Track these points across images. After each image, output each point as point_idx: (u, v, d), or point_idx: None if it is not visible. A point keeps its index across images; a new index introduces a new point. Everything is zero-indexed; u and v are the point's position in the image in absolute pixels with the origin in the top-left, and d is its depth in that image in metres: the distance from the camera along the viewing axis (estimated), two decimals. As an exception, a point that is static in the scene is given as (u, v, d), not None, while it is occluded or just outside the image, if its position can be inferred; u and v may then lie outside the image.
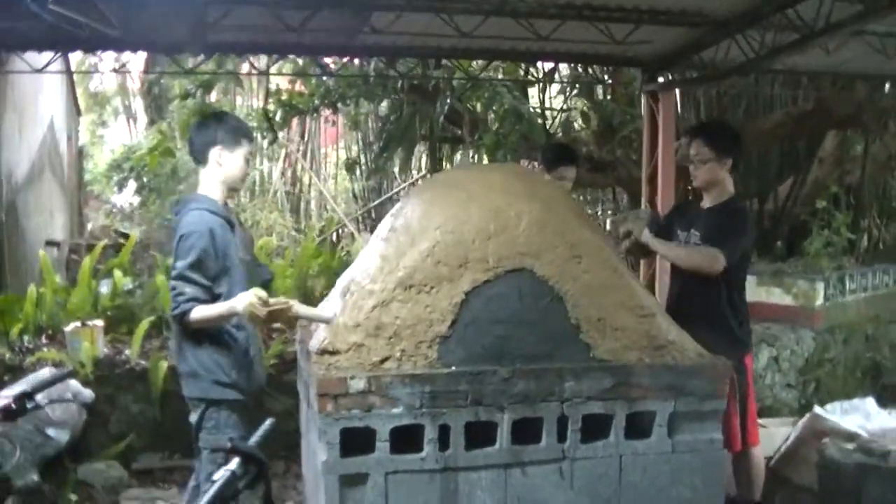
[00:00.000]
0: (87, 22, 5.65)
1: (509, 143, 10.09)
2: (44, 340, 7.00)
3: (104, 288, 7.74)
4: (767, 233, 10.40)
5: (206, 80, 9.74)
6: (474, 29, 6.25)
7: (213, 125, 4.24)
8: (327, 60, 9.25)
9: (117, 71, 12.84)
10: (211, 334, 4.05)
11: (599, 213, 14.64)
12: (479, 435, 3.76)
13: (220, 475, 2.20)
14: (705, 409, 4.01)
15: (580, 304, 3.93)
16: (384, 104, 12.62)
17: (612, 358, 3.92)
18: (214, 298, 3.99)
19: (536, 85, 11.73)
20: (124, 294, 7.71)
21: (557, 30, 6.36)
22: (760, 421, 5.42)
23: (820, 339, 8.37)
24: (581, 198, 13.55)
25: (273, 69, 10.09)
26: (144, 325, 6.89)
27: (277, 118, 10.53)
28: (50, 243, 10.89)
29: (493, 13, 6.07)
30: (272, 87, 13.49)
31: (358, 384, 3.59)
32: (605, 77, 10.93)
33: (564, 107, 12.62)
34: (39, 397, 3.22)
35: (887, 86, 10.42)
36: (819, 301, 8.41)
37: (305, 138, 16.32)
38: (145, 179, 14.04)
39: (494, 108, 10.34)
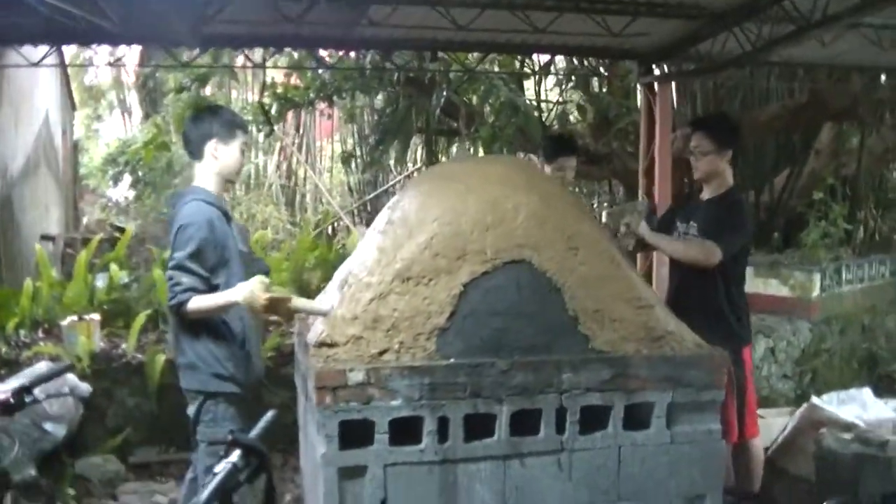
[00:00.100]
0: (83, 15, 5.63)
1: (505, 136, 10.08)
2: (40, 334, 6.98)
3: (100, 282, 7.72)
4: (763, 224, 10.40)
5: (201, 74, 9.72)
6: (471, 22, 6.24)
7: (208, 118, 4.22)
8: (323, 53, 9.22)
9: (112, 64, 12.80)
10: (209, 326, 4.03)
11: (595, 205, 14.62)
12: (478, 427, 3.76)
13: (222, 468, 2.19)
14: (703, 399, 4.02)
15: (578, 295, 3.93)
16: (380, 97, 12.60)
17: (611, 349, 3.92)
18: (212, 289, 3.97)
19: (532, 77, 11.72)
20: (120, 288, 7.68)
21: (554, 22, 6.35)
22: (758, 412, 5.42)
23: (816, 329, 8.40)
24: (577, 190, 13.53)
25: (269, 62, 10.07)
26: (141, 318, 6.87)
27: (273, 111, 10.51)
28: (45, 237, 10.85)
29: (490, 6, 6.05)
30: (267, 80, 13.47)
31: (357, 376, 3.59)
32: (601, 69, 10.92)
33: (560, 99, 12.61)
34: (37, 391, 3.21)
35: (883, 77, 10.41)
36: (815, 292, 8.43)
37: (300, 131, 16.28)
38: (140, 173, 14.00)
39: (490, 100, 10.33)
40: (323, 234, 13.66)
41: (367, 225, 5.54)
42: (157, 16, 5.66)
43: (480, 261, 3.87)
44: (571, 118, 12.45)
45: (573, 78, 11.68)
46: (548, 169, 5.82)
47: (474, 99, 10.91)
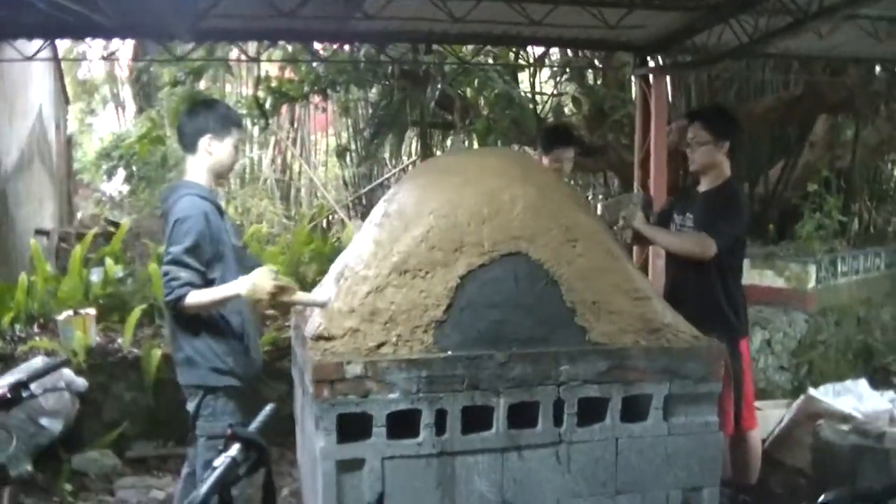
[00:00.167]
0: (78, 9, 5.61)
1: (500, 129, 10.08)
2: (35, 329, 6.97)
3: (95, 276, 7.70)
4: (758, 216, 10.41)
5: (196, 68, 9.69)
6: (467, 14, 6.22)
7: (203, 113, 4.20)
8: (317, 47, 9.20)
9: (106, 58, 12.74)
10: (206, 321, 4.01)
11: (591, 197, 14.63)
12: (476, 419, 3.75)
13: (221, 461, 2.18)
14: (700, 391, 4.01)
15: (575, 287, 3.93)
16: (374, 90, 12.58)
17: (608, 341, 3.92)
18: (208, 284, 3.95)
19: (527, 70, 11.71)
20: (116, 282, 7.67)
21: (550, 14, 6.34)
22: (755, 404, 5.43)
23: (812, 321, 8.41)
24: (572, 182, 13.53)
25: (263, 56, 10.04)
26: (136, 313, 6.86)
27: (267, 105, 10.49)
28: (39, 232, 10.81)
29: (486, -3, 6.05)
30: (262, 74, 13.43)
31: (354, 369, 3.58)
32: (596, 62, 10.91)
33: (555, 92, 12.60)
34: (34, 387, 3.20)
35: (878, 69, 10.42)
36: (811, 284, 8.45)
37: (295, 125, 16.26)
38: (135, 168, 13.96)
39: (485, 93, 10.32)
40: (318, 227, 13.65)
41: (363, 218, 5.54)
42: (152, 10, 5.64)
43: (477, 253, 3.86)
44: (566, 110, 12.45)
45: (568, 70, 11.67)
46: (545, 161, 5.82)
47: (469, 91, 10.88)
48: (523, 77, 12.20)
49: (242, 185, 15.27)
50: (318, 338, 3.74)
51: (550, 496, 3.85)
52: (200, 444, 4.09)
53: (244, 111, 10.53)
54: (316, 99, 11.74)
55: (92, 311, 6.85)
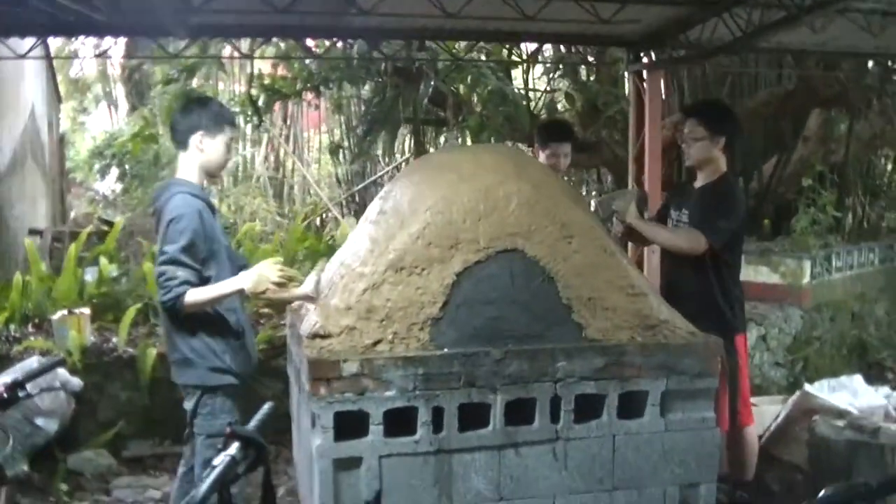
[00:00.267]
0: (74, 6, 5.58)
1: (493, 125, 10.06)
2: (30, 329, 6.96)
3: (89, 276, 7.68)
4: (753, 212, 10.41)
5: (188, 65, 9.66)
6: (460, 9, 6.20)
7: (197, 110, 4.20)
8: (310, 44, 9.17)
9: (98, 56, 12.72)
10: (202, 319, 4.00)
11: (584, 194, 14.61)
12: (473, 417, 3.75)
13: (220, 460, 2.18)
14: (697, 387, 4.02)
15: (571, 283, 3.93)
16: (367, 87, 12.55)
17: (604, 337, 3.93)
18: (203, 282, 3.95)
19: (520, 66, 11.70)
20: (110, 281, 7.66)
21: (543, 9, 6.32)
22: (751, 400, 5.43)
23: (807, 317, 8.42)
24: (566, 179, 13.52)
25: (256, 53, 10.02)
26: (131, 312, 6.84)
27: (260, 103, 10.48)
28: (33, 231, 10.78)
29: (480, -8, 6.03)
30: (255, 71, 13.42)
31: (351, 367, 3.58)
32: (589, 57, 10.90)
33: (548, 88, 12.59)
34: (30, 386, 3.19)
35: (870, 63, 10.42)
36: (806, 279, 8.47)
37: (288, 123, 16.22)
38: (128, 166, 13.94)
39: (478, 89, 10.30)
40: (311, 225, 13.63)
41: (356, 216, 5.53)
42: (147, 6, 5.62)
43: (473, 250, 3.86)
44: (559, 107, 12.43)
45: (561, 66, 11.66)
46: (542, 155, 5.80)
47: (462, 88, 10.87)
48: (516, 74, 12.18)
49: (235, 182, 15.23)
50: (315, 336, 3.74)
51: (547, 493, 3.86)
52: (199, 442, 4.08)
53: (237, 109, 10.52)
54: (309, 96, 11.73)
55: (87, 310, 6.84)
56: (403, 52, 9.43)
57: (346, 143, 14.90)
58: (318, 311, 3.89)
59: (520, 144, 10.61)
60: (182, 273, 3.85)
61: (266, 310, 7.37)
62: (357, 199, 15.01)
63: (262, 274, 3.83)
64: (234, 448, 2.22)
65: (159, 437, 6.43)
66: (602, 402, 3.89)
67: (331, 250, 6.79)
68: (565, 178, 12.32)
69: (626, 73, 8.81)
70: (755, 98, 10.36)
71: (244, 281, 3.86)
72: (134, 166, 13.67)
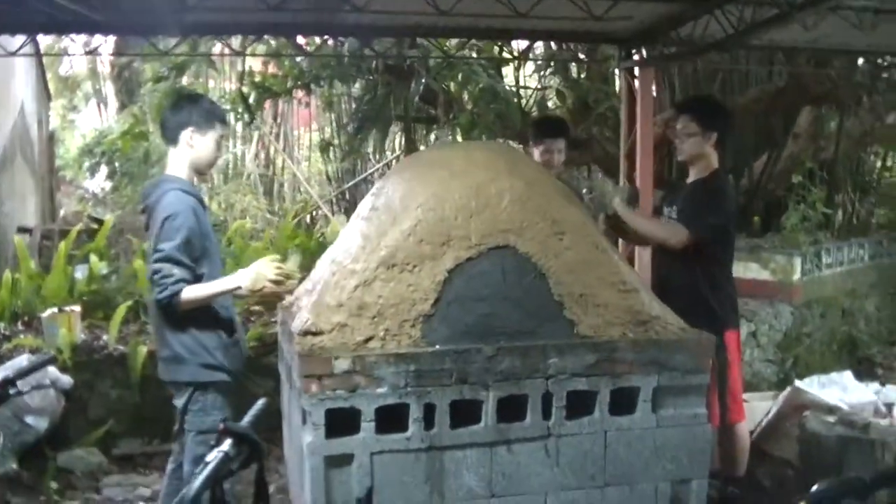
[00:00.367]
0: (70, 6, 5.56)
1: (484, 123, 10.06)
2: (20, 327, 6.94)
3: (79, 273, 7.66)
4: (743, 208, 10.43)
5: (179, 63, 9.63)
6: (452, 7, 6.19)
7: (187, 107, 4.21)
8: (301, 41, 9.15)
9: (88, 53, 12.66)
10: (194, 316, 4.00)
11: (576, 191, 14.61)
12: (464, 414, 3.75)
13: (214, 456, 2.17)
14: (689, 383, 4.02)
15: (563, 280, 3.93)
16: (358, 85, 12.53)
17: (596, 334, 3.93)
18: (197, 279, 3.94)
19: (511, 64, 11.69)
20: (100, 279, 7.64)
21: (536, 7, 6.31)
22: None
23: (798, 313, 8.44)
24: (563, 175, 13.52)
25: (247, 51, 9.98)
26: (122, 310, 6.83)
27: (251, 100, 10.45)
28: (22, 229, 10.74)
29: (472, -11, 6.01)
30: (245, 69, 13.38)
31: (342, 364, 3.58)
32: (580, 55, 10.89)
33: (539, 85, 12.59)
34: (20, 384, 3.18)
35: (860, 61, 10.44)
36: (796, 276, 8.48)
37: (278, 120, 16.18)
38: (117, 164, 13.88)
39: (469, 87, 10.29)
40: (301, 223, 13.61)
41: (347, 214, 5.52)
42: (142, 5, 5.60)
43: (465, 247, 3.86)
44: (550, 104, 12.43)
45: (552, 64, 11.66)
46: (536, 152, 5.80)
47: (453, 86, 10.85)
48: (507, 71, 12.18)
49: (226, 180, 15.19)
50: (306, 333, 3.73)
51: (539, 489, 3.86)
52: (189, 439, 4.07)
53: (228, 106, 10.49)
54: (299, 94, 11.70)
55: (77, 308, 6.83)
56: (394, 49, 9.41)
57: (336, 141, 14.86)
58: (309, 307, 3.89)
59: (511, 142, 10.60)
60: (178, 271, 3.85)
61: (257, 307, 7.36)
62: (347, 196, 14.98)
63: (260, 272, 3.83)
64: (227, 444, 2.21)
65: (149, 436, 6.41)
66: (594, 399, 3.89)
67: (321, 247, 6.77)
68: (560, 175, 12.36)
69: (616, 70, 8.80)
70: (746, 95, 10.37)
71: (242, 279, 3.86)
72: (124, 164, 13.60)
